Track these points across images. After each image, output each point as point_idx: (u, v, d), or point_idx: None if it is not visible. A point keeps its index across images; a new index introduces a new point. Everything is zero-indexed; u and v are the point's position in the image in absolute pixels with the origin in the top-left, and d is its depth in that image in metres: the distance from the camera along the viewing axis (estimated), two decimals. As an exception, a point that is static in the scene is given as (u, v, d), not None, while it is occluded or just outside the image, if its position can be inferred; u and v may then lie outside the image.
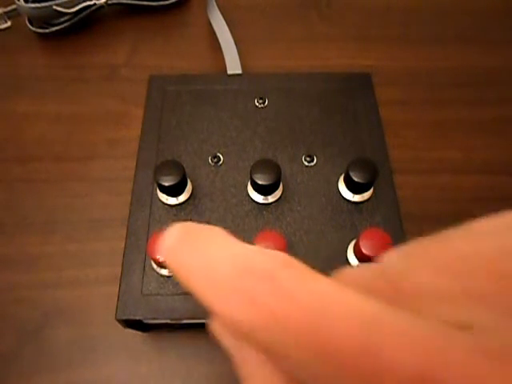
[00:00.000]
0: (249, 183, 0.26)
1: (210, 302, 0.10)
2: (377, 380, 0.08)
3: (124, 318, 0.23)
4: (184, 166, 0.25)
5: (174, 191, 0.25)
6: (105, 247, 0.29)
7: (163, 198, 0.26)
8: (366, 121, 0.29)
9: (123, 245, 0.25)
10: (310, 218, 0.26)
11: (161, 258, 0.22)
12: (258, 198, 0.26)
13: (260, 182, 0.25)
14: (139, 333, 0.26)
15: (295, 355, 0.09)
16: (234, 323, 0.10)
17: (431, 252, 0.11)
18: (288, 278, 0.10)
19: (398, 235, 0.25)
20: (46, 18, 0.38)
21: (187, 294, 0.23)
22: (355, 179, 0.25)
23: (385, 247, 0.22)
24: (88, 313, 0.27)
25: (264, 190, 0.25)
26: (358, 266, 0.24)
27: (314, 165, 0.28)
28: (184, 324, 0.26)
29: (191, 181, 0.27)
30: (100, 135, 0.34)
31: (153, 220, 0.26)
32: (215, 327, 0.13)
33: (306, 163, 0.28)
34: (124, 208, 0.27)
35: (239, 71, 0.33)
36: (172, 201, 0.26)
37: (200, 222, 0.25)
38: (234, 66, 0.33)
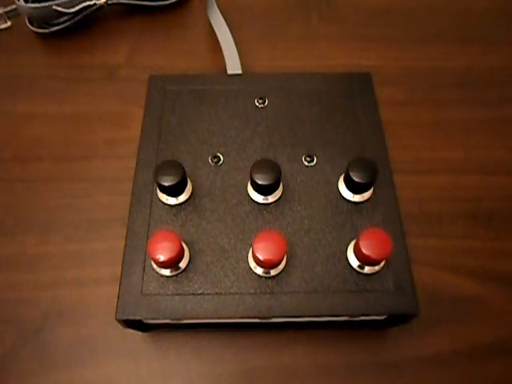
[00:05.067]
0: (249, 183, 0.26)
1: None
2: None
3: (124, 317, 0.23)
4: (184, 166, 0.25)
5: (174, 191, 0.25)
6: (105, 247, 0.29)
7: (163, 198, 0.26)
8: (366, 121, 0.29)
9: (123, 245, 0.25)
10: (310, 218, 0.26)
11: (161, 258, 0.22)
12: (258, 198, 0.26)
13: (260, 182, 0.25)
14: (139, 333, 0.26)
15: None
16: None
17: None
18: None
19: (398, 235, 0.25)
20: (46, 18, 0.38)
21: (187, 294, 0.23)
22: (355, 179, 0.25)
23: (385, 247, 0.22)
24: (88, 313, 0.27)
25: (264, 190, 0.25)
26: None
27: (314, 165, 0.28)
28: (184, 324, 0.26)
29: (191, 181, 0.27)
30: (100, 135, 0.34)
31: (153, 220, 0.26)
32: None
33: (306, 163, 0.28)
34: (124, 208, 0.27)
35: (239, 71, 0.33)
36: (172, 201, 0.26)
37: (200, 221, 0.25)
38: (234, 66, 0.33)
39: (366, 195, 0.26)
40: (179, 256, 0.23)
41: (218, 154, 0.28)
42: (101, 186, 0.32)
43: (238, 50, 0.34)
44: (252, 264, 0.24)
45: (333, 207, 0.26)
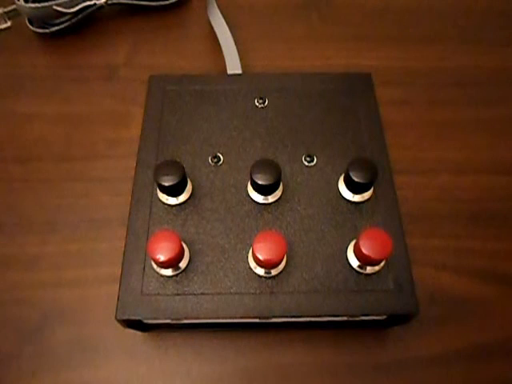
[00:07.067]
0: (249, 183, 0.26)
1: None
2: None
3: (124, 317, 0.23)
4: (184, 166, 0.25)
5: (174, 191, 0.25)
6: (105, 247, 0.29)
7: (163, 198, 0.26)
8: (366, 121, 0.29)
9: (123, 245, 0.25)
10: (310, 218, 0.26)
11: (161, 258, 0.22)
12: (258, 198, 0.26)
13: (260, 182, 0.25)
14: (139, 333, 0.26)
15: None
16: None
17: None
18: None
19: (398, 235, 0.25)
20: (46, 18, 0.38)
21: (187, 294, 0.23)
22: (355, 179, 0.25)
23: (385, 247, 0.22)
24: (88, 313, 0.27)
25: (264, 190, 0.25)
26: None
27: (314, 165, 0.28)
28: (184, 324, 0.26)
29: (191, 181, 0.27)
30: (100, 135, 0.34)
31: (153, 220, 0.26)
32: None
33: (306, 163, 0.28)
34: (124, 208, 0.27)
35: (239, 71, 0.33)
36: (172, 201, 0.26)
37: (200, 221, 0.25)
38: (234, 65, 0.33)
39: (366, 195, 0.26)
40: (179, 256, 0.23)
41: (218, 154, 0.28)
42: (101, 186, 0.32)
43: (237, 49, 0.34)
44: (252, 264, 0.24)
45: (333, 207, 0.26)
